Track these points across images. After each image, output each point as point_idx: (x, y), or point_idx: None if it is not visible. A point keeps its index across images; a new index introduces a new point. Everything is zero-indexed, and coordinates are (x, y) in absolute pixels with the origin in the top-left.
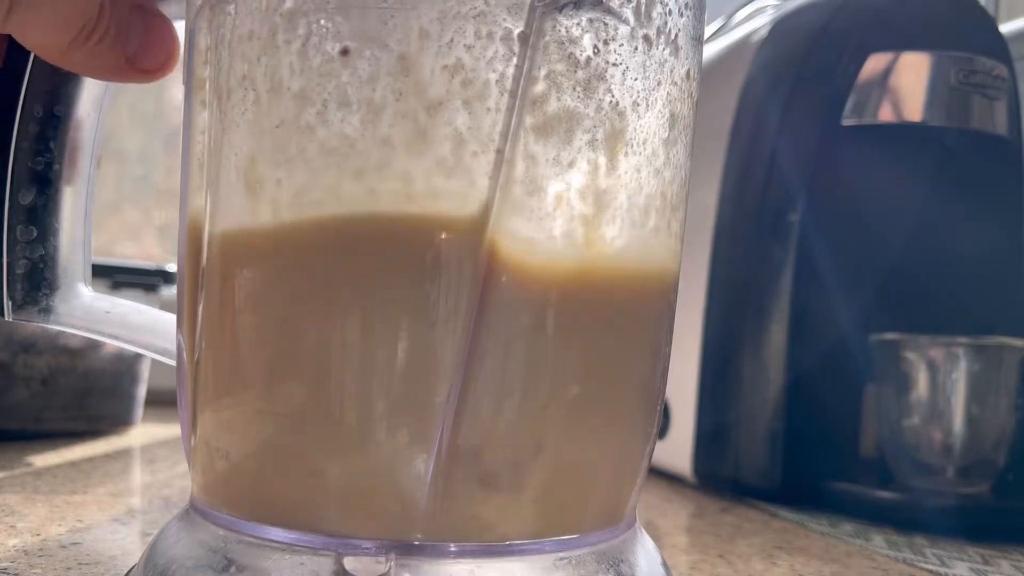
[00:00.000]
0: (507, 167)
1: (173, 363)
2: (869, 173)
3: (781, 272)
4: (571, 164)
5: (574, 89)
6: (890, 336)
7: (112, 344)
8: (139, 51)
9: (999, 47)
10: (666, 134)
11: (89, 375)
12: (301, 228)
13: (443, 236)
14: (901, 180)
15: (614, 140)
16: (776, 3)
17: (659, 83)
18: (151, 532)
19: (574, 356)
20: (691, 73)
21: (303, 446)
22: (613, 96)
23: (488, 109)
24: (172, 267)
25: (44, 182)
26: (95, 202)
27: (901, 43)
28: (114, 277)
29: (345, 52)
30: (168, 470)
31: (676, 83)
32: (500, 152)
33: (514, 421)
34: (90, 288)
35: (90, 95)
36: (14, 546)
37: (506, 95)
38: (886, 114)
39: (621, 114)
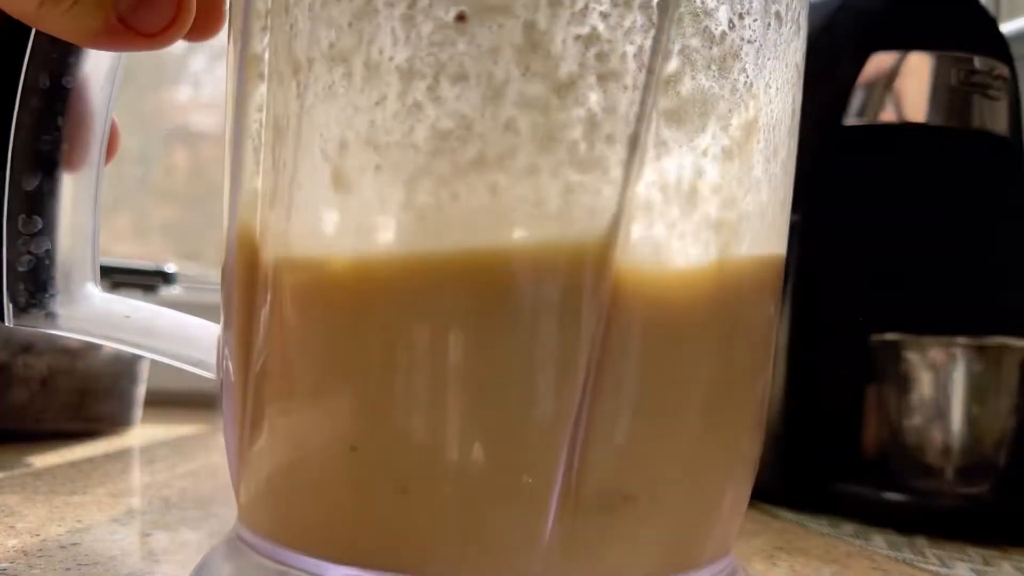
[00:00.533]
0: (640, 155)
1: (210, 375)
2: (870, 173)
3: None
4: (705, 152)
5: (708, 67)
6: (891, 336)
7: (136, 353)
8: (134, 10)
9: (1000, 47)
10: (789, 122)
11: (88, 376)
12: (405, 219)
13: (573, 232)
14: (902, 180)
15: (748, 126)
16: None
17: (786, 65)
18: (150, 533)
19: (706, 368)
20: (804, 55)
21: (399, 474)
22: (748, 76)
23: (625, 87)
24: (171, 267)
25: (50, 165)
26: None
27: (901, 43)
28: (113, 277)
29: (461, 18)
30: (167, 471)
31: (797, 66)
32: (635, 138)
33: (648, 447)
34: (100, 288)
35: (103, 64)
36: (13, 547)
37: (644, 72)
38: (887, 114)
39: (755, 97)
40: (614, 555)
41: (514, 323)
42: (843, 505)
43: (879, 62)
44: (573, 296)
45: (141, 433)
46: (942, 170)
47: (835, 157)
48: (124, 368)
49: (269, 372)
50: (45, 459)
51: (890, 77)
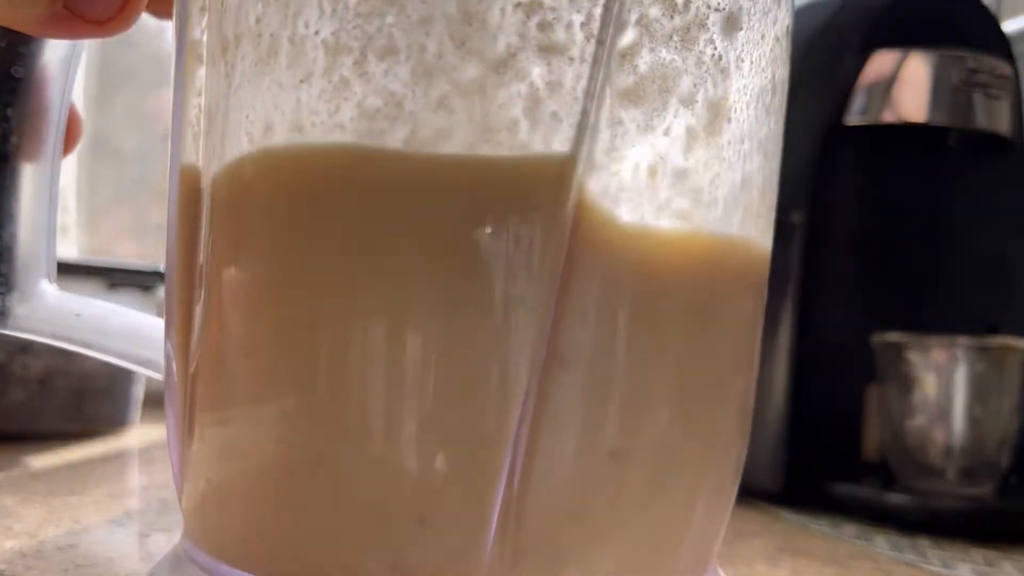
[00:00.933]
0: (592, 134)
1: (158, 376)
2: (872, 173)
3: (784, 273)
4: (667, 131)
5: (670, 39)
6: (893, 337)
7: (84, 354)
8: None
9: (1002, 46)
10: (769, 99)
11: (86, 376)
12: (332, 213)
13: (516, 220)
14: (904, 180)
15: (716, 103)
16: None
17: (763, 36)
18: (149, 534)
19: (671, 368)
20: (788, 29)
21: (328, 488)
22: (715, 48)
23: (571, 60)
24: None
25: (0, 158)
26: (93, 202)
27: (903, 42)
28: (111, 277)
29: None
30: (166, 471)
31: (778, 38)
32: (585, 115)
33: (602, 447)
34: (55, 286)
35: (56, 53)
36: (11, 548)
37: (593, 42)
38: (888, 114)
39: (724, 71)
40: (568, 574)
41: (455, 310)
42: (845, 506)
43: (881, 61)
44: (519, 288)
45: (139, 434)
46: (944, 169)
47: (837, 156)
48: (122, 368)
49: (202, 372)
50: (43, 460)
51: (892, 76)
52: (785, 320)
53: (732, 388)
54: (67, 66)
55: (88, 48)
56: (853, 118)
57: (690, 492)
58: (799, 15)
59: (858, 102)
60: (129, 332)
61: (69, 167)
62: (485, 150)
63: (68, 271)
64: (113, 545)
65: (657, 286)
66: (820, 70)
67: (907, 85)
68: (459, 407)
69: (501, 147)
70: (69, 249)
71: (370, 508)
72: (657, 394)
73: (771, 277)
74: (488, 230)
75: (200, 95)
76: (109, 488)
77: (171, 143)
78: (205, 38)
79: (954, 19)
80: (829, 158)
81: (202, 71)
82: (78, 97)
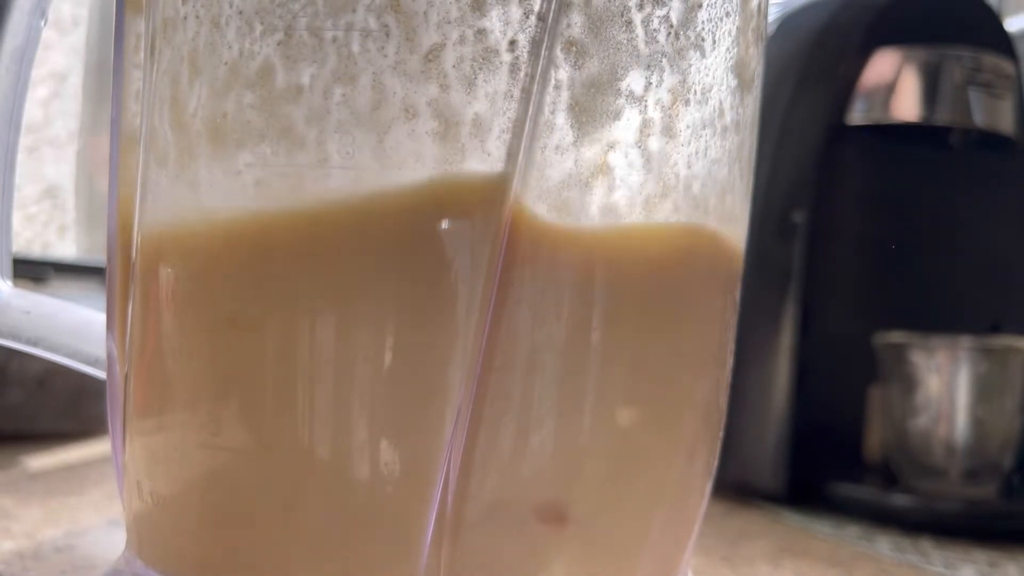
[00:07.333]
0: (533, 119)
1: (103, 375)
2: (874, 172)
3: (785, 273)
4: (616, 116)
5: (621, 16)
6: (895, 337)
7: (34, 354)
8: None
9: (1005, 44)
10: (735, 82)
11: (84, 376)
12: (254, 205)
13: (450, 211)
14: (907, 180)
15: (672, 87)
16: (781, 0)
17: (727, 14)
18: None
19: (621, 368)
20: (761, 6)
21: (256, 493)
22: (671, 27)
23: (512, 44)
24: None
25: None
26: (92, 202)
27: (905, 41)
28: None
29: None
30: None
31: (747, 16)
32: (525, 99)
33: (546, 454)
34: (10, 283)
35: (11, 43)
36: (8, 549)
37: (532, 17)
38: (890, 113)
39: (681, 52)
40: None
41: (384, 307)
42: (847, 507)
43: (883, 60)
44: (446, 286)
45: None
46: (947, 169)
47: (840, 156)
48: None
49: (134, 374)
50: (41, 460)
51: (894, 75)
52: (787, 320)
53: (695, 390)
54: (21, 57)
55: (88, 46)
56: (855, 117)
57: (649, 500)
58: (800, 15)
59: (860, 101)
60: (80, 329)
61: (68, 167)
62: (415, 137)
63: (67, 271)
64: (112, 546)
65: (600, 290)
66: (822, 69)
67: (909, 84)
68: (395, 413)
69: (431, 132)
70: (68, 249)
71: (304, 517)
72: (605, 398)
73: (773, 277)
74: (420, 247)
75: (141, 69)
76: (107, 489)
77: (111, 133)
78: (143, 27)
79: (956, 17)
80: (831, 157)
81: (140, 57)
82: (76, 96)
